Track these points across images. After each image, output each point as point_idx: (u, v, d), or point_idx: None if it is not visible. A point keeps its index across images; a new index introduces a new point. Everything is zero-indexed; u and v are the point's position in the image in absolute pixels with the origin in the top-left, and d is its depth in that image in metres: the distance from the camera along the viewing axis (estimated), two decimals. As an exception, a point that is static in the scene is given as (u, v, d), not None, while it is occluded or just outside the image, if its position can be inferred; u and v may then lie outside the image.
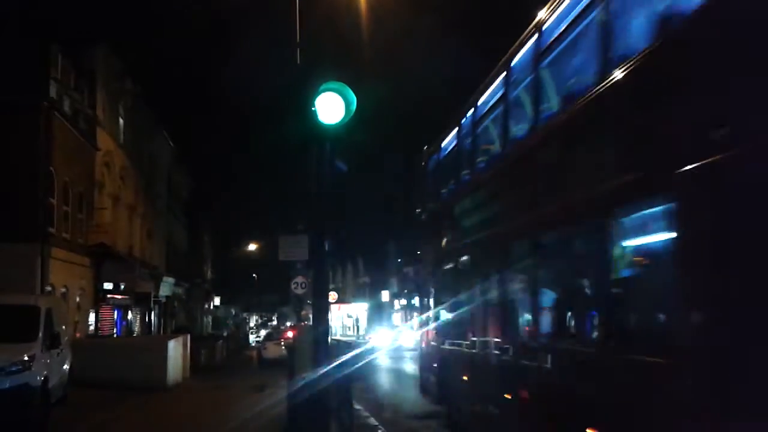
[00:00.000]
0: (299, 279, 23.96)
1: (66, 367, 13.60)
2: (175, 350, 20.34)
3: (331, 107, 7.20)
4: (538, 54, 6.92)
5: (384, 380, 20.01)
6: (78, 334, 21.69)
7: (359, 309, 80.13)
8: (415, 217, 13.74)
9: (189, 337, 24.56)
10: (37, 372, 10.94)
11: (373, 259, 79.21)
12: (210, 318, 67.52)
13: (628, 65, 4.99)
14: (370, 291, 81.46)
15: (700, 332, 4.04)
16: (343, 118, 7.22)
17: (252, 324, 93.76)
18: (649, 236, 4.91)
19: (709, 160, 3.92)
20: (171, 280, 40.34)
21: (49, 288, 19.49)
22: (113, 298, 27.25)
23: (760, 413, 3.55)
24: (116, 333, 28.22)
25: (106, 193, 26.97)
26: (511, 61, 7.84)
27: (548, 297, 6.97)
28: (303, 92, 7.27)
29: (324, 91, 7.19)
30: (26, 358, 10.80)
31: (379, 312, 74.94)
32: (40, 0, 21.89)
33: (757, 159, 3.63)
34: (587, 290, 6.10)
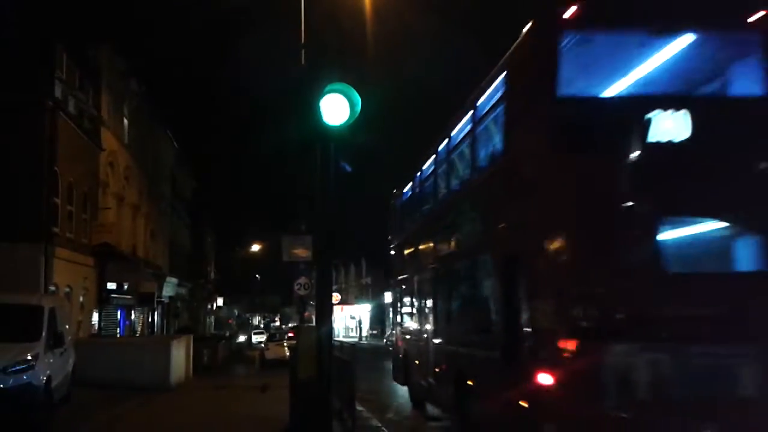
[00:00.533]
0: (302, 280, 23.98)
1: (69, 366, 13.60)
2: (178, 350, 20.36)
3: (335, 108, 7.21)
4: (448, 150, 10.69)
5: (387, 381, 20.00)
6: (81, 334, 21.73)
7: (362, 310, 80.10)
8: (388, 246, 17.05)
9: (192, 337, 24.60)
10: (40, 371, 10.94)
11: (376, 260, 79.20)
12: (213, 318, 67.58)
13: (481, 175, 8.92)
14: (372, 292, 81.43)
15: (506, 332, 7.34)
16: (348, 120, 7.23)
17: (256, 323, 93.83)
18: (490, 274, 8.46)
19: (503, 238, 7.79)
20: (174, 280, 40.38)
21: (52, 288, 19.50)
22: (117, 298, 27.27)
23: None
24: (119, 333, 28.24)
25: (110, 193, 27.00)
26: (436, 148, 11.48)
27: (456, 306, 10.61)
28: (307, 93, 7.28)
29: (329, 92, 7.20)
30: (29, 358, 10.81)
31: (381, 313, 74.95)
32: None
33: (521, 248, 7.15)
34: (471, 303, 9.45)
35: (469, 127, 9.35)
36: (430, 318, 12.01)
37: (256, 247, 61.91)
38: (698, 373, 6.17)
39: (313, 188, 7.97)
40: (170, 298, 40.52)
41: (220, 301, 70.33)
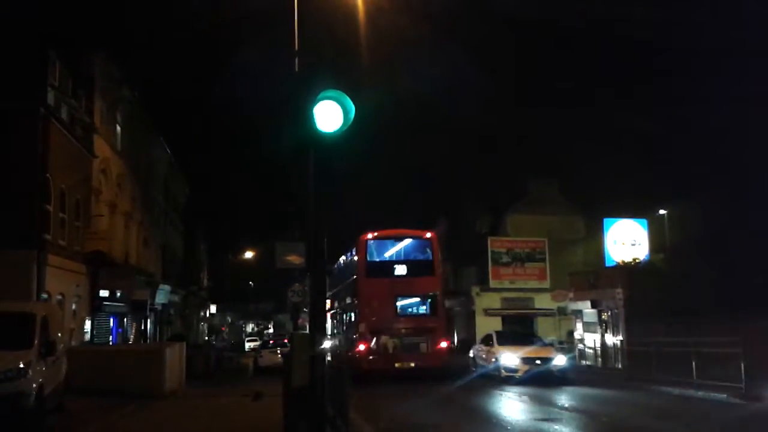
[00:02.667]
0: (296, 287, 24.00)
1: (62, 374, 13.55)
2: (172, 358, 20.30)
3: (329, 115, 7.22)
4: (344, 263, 30.01)
5: (380, 388, 19.95)
6: (74, 342, 21.63)
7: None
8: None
9: (185, 344, 24.51)
10: (32, 379, 10.90)
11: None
12: (206, 326, 67.33)
13: (350, 276, 27.31)
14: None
15: (355, 331, 25.84)
16: (341, 127, 7.24)
17: (249, 330, 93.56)
18: (352, 312, 27.13)
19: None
20: (167, 287, 40.25)
21: (45, 295, 19.42)
22: (109, 305, 27.17)
23: None
24: (112, 340, 28.13)
25: (102, 201, 26.92)
26: (342, 260, 30.57)
27: (344, 324, 29.22)
28: (301, 100, 7.28)
29: (322, 99, 7.20)
30: (21, 366, 10.77)
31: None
32: (38, 6, 21.92)
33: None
34: (348, 323, 28.26)
35: (349, 260, 28.08)
36: (338, 328, 30.72)
37: (249, 254, 61.81)
38: (406, 345, 24.15)
39: (305, 195, 7.96)
40: (163, 305, 40.36)
41: (213, 308, 70.15)
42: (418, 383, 20.96)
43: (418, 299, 25.59)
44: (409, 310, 25.57)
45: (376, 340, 23.89)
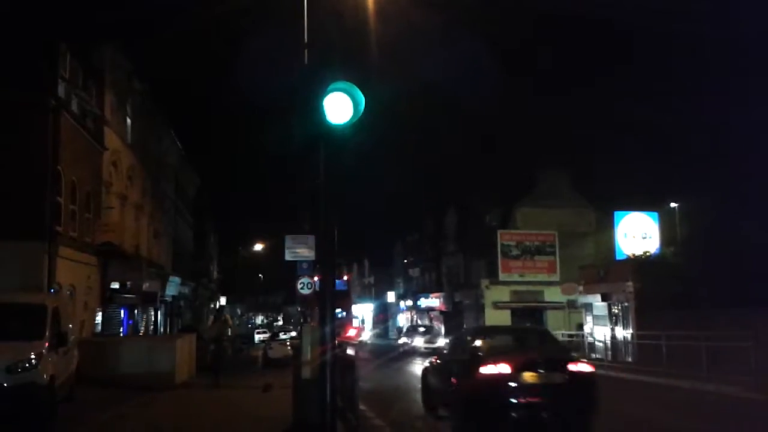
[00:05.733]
0: (305, 279, 23.99)
1: (73, 365, 13.63)
2: (182, 349, 20.39)
3: (339, 107, 7.19)
4: None
5: (389, 380, 19.95)
6: (84, 333, 21.75)
7: (365, 309, 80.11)
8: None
9: (195, 336, 24.62)
10: (43, 370, 10.95)
11: (379, 260, 79.16)
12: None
13: None
14: (375, 291, 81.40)
15: None
16: (351, 118, 7.21)
17: (258, 322, 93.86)
18: None
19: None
20: (177, 279, 40.40)
21: (56, 287, 19.52)
22: (120, 297, 27.29)
23: None
24: (123, 332, 28.26)
25: (113, 193, 27.01)
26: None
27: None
28: (311, 92, 7.25)
29: (332, 91, 7.18)
30: (33, 357, 10.82)
31: (384, 312, 74.88)
32: (48, -1, 21.95)
33: None
34: None
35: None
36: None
37: (258, 247, 61.95)
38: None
39: (315, 188, 7.94)
40: (173, 297, 40.53)
41: (222, 301, 70.37)
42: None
43: (339, 309, 37.46)
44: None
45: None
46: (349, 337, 41.92)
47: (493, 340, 12.50)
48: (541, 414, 10.16)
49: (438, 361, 13.97)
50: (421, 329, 46.78)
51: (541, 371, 10.30)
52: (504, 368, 10.22)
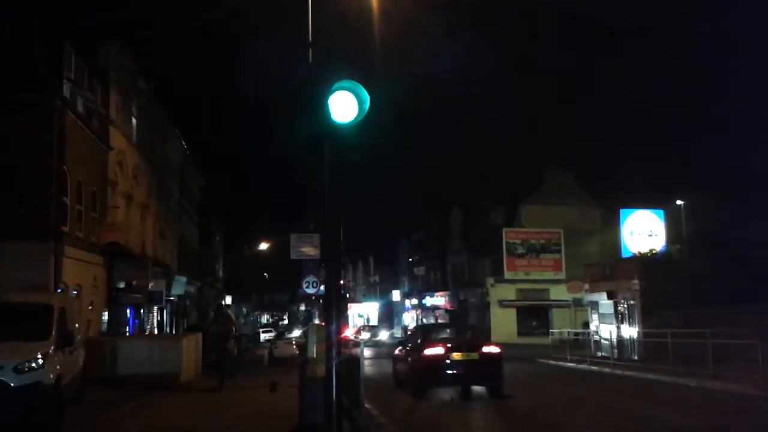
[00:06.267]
0: (310, 278, 24.03)
1: (79, 365, 13.65)
2: (188, 349, 20.42)
3: (344, 106, 7.18)
4: None
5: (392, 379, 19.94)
6: (91, 333, 21.80)
7: (370, 308, 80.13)
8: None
9: (201, 335, 24.65)
10: (50, 370, 10.97)
11: (384, 259, 79.21)
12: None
13: None
14: (380, 290, 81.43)
15: None
16: (356, 117, 7.19)
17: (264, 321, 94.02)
18: None
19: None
20: (183, 278, 40.47)
21: (62, 286, 19.57)
22: (126, 296, 27.34)
23: None
24: (129, 331, 28.32)
25: (118, 192, 27.06)
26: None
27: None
28: (316, 91, 7.24)
29: (337, 89, 7.16)
30: (40, 357, 10.84)
31: (389, 311, 74.91)
32: (53, -1, 21.98)
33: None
34: None
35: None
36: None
37: (264, 246, 62.00)
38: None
39: (320, 186, 7.93)
40: (179, 296, 40.60)
41: (228, 300, 70.47)
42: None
43: None
44: None
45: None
46: (346, 337, 48.44)
47: (434, 333, 18.51)
48: (464, 378, 15.78)
49: (401, 350, 18.85)
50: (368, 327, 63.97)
51: (464, 352, 15.70)
52: (439, 350, 15.75)
